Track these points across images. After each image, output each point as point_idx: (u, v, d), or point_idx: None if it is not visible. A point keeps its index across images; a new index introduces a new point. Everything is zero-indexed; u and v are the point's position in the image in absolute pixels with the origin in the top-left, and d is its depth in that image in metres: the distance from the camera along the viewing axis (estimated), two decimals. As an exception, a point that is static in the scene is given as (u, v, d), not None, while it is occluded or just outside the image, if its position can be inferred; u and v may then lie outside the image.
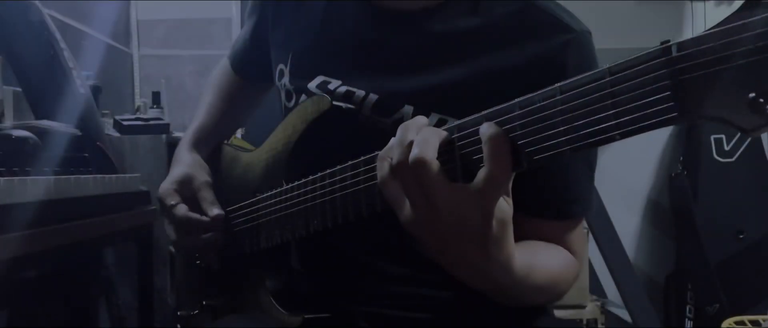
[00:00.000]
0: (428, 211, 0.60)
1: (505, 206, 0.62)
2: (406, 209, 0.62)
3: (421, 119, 0.64)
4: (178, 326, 1.18)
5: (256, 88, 1.20)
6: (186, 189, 1.03)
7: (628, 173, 3.19)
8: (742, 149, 2.99)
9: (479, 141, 0.58)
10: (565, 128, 0.54)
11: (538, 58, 0.84)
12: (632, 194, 3.22)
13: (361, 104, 0.89)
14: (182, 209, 1.00)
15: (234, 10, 3.15)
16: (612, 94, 0.51)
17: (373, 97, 0.89)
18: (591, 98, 0.52)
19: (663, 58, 0.48)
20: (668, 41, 0.48)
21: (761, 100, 0.43)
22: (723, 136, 2.97)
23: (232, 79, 1.19)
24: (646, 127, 0.49)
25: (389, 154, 0.63)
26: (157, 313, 1.76)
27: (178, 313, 1.16)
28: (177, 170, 1.05)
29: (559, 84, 0.55)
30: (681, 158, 3.10)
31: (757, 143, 3.01)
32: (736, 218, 2.96)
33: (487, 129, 0.57)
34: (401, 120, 0.87)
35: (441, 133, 0.62)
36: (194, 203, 1.02)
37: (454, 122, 0.63)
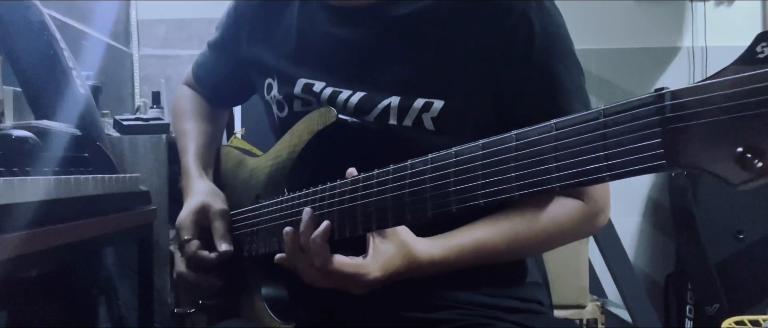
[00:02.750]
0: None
1: (380, 275, 0.79)
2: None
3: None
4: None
5: (229, 109, 1.33)
6: (203, 217, 1.04)
7: (628, 173, 3.19)
8: (742, 149, 2.99)
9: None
10: (556, 164, 0.55)
11: (503, 21, 0.86)
12: (632, 193, 3.22)
13: (347, 102, 0.91)
14: (193, 246, 1.02)
15: (234, 10, 3.15)
16: (604, 135, 0.51)
17: (359, 94, 0.91)
18: (583, 137, 0.53)
19: (655, 105, 0.48)
20: (663, 89, 0.48)
21: (749, 155, 0.43)
22: (723, 136, 2.97)
23: (202, 103, 1.24)
24: (635, 172, 0.50)
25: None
26: (157, 313, 1.76)
27: (175, 310, 1.17)
28: (193, 200, 1.06)
29: (554, 120, 0.56)
30: (681, 158, 3.10)
31: (757, 143, 3.00)
32: (736, 218, 2.95)
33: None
34: (384, 113, 0.89)
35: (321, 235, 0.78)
36: (208, 233, 1.03)
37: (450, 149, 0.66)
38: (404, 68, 0.90)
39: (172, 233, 1.97)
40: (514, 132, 0.59)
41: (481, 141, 0.62)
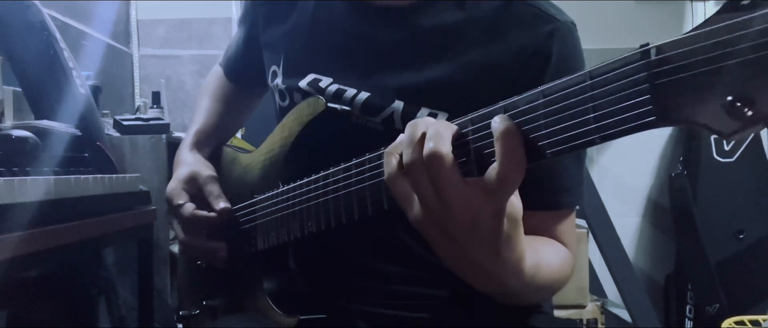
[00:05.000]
0: (439, 208, 0.58)
1: (516, 202, 0.60)
2: (416, 207, 0.60)
3: (428, 118, 0.62)
4: (179, 326, 1.18)
5: (251, 93, 1.21)
6: (192, 186, 1.03)
7: (628, 173, 3.19)
8: (742, 149, 2.99)
9: (490, 135, 0.56)
10: (547, 132, 0.54)
11: (524, 49, 0.85)
12: (632, 193, 3.22)
13: (352, 102, 0.90)
14: (189, 208, 1.00)
15: (234, 10, 3.15)
16: (592, 97, 0.51)
17: (363, 94, 0.90)
18: (572, 101, 0.52)
19: (641, 62, 0.47)
20: (647, 44, 0.47)
21: (739, 103, 0.42)
22: (723, 136, 2.97)
23: (227, 85, 1.20)
24: (626, 131, 0.49)
25: (397, 150, 0.61)
26: (157, 313, 1.76)
27: (180, 313, 1.17)
28: (182, 170, 1.05)
29: (541, 87, 0.55)
30: (681, 158, 3.10)
31: (758, 143, 3.01)
32: (736, 218, 2.96)
33: (500, 123, 0.55)
34: (391, 117, 0.88)
35: (452, 127, 0.60)
36: (201, 200, 1.02)
37: (465, 117, 0.61)
38: (414, 76, 0.88)
39: (172, 234, 1.97)
40: (502, 104, 0.58)
41: (470, 115, 0.60)
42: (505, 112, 0.57)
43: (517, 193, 0.60)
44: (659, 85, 0.46)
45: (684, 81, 0.45)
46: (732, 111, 0.43)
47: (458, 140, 0.60)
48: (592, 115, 0.50)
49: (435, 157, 0.57)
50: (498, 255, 0.61)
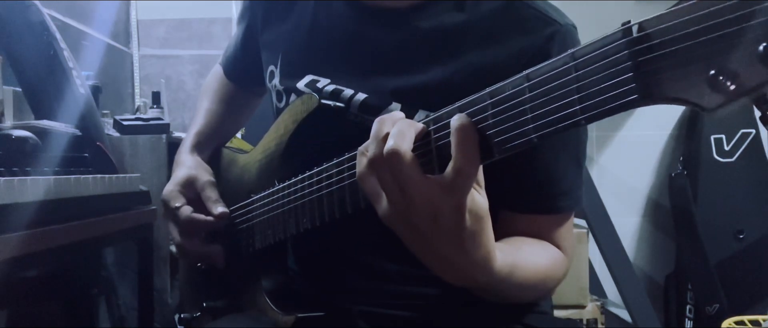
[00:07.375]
0: (403, 204, 0.60)
1: (479, 198, 0.62)
2: (383, 203, 0.62)
3: (397, 113, 0.64)
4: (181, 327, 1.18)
5: (251, 93, 1.21)
6: (190, 190, 1.03)
7: (628, 173, 3.19)
8: (742, 149, 2.99)
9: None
10: (532, 115, 0.54)
11: (524, 52, 0.84)
12: (632, 194, 3.22)
13: (349, 102, 0.90)
14: (186, 211, 1.00)
15: (234, 10, 3.15)
16: (576, 78, 0.50)
17: (361, 95, 0.89)
18: (556, 84, 0.52)
19: (623, 40, 0.47)
20: (629, 22, 0.47)
21: (721, 77, 0.42)
22: (723, 137, 2.97)
23: (227, 84, 1.20)
24: (610, 111, 0.49)
25: (366, 148, 0.63)
26: (157, 313, 1.76)
27: (181, 315, 1.16)
28: (180, 173, 1.05)
29: (526, 71, 0.55)
30: (681, 158, 3.10)
31: (757, 143, 3.01)
32: (736, 218, 2.95)
33: (455, 120, 0.57)
34: None
35: (417, 126, 0.62)
36: (199, 204, 1.02)
37: (429, 114, 0.63)
38: (413, 78, 0.88)
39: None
40: (488, 90, 0.58)
41: (457, 103, 0.60)
42: (490, 99, 0.57)
43: (482, 191, 0.62)
44: (642, 63, 0.46)
45: (667, 57, 0.45)
46: (715, 85, 0.43)
47: (424, 138, 0.62)
48: (576, 96, 0.50)
49: (394, 155, 0.59)
50: (463, 249, 0.63)
